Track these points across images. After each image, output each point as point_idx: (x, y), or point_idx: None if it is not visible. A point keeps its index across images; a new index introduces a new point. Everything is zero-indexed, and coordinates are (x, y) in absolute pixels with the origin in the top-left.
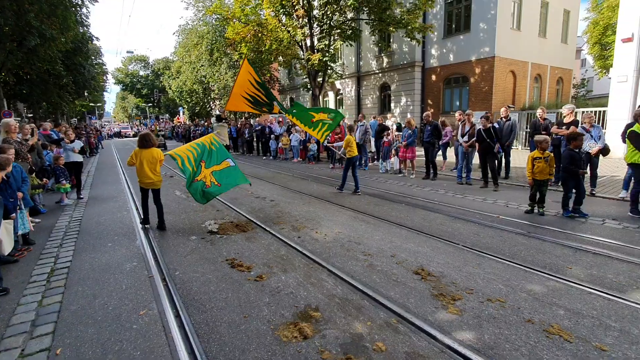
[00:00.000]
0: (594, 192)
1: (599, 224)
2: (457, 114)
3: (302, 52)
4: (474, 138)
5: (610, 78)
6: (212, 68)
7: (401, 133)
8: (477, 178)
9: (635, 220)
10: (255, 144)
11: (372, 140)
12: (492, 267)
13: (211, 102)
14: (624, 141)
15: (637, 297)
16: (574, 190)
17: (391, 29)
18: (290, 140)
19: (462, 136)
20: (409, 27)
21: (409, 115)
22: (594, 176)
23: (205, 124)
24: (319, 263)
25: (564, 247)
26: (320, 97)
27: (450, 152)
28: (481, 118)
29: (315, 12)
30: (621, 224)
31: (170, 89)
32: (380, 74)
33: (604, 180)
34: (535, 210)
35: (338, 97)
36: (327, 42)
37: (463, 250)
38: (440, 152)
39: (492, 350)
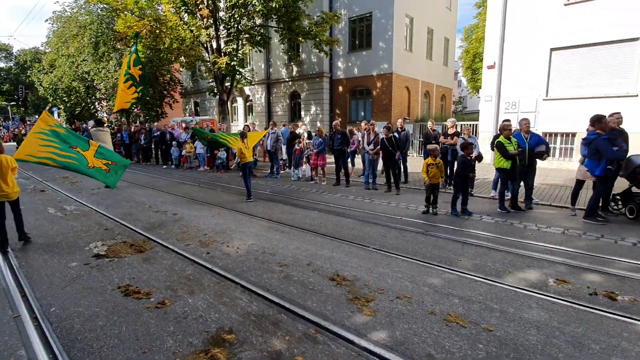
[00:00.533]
0: (472, 192)
1: (478, 220)
2: (362, 124)
3: (207, 54)
4: (379, 146)
5: (479, 97)
6: (98, 64)
7: (312, 141)
8: (382, 183)
9: (502, 215)
10: (153, 152)
11: (284, 148)
12: (399, 265)
13: (96, 103)
14: (492, 149)
15: (510, 281)
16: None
17: (300, 39)
18: (195, 147)
19: (368, 144)
20: (317, 39)
21: (318, 124)
22: (472, 179)
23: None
24: (232, 279)
25: (454, 242)
26: (229, 103)
27: (357, 159)
28: (383, 128)
29: (221, 13)
30: (493, 218)
31: (40, 85)
32: (290, 82)
33: (479, 182)
34: (431, 211)
35: (247, 104)
36: (234, 46)
37: (373, 252)
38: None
39: (403, 345)
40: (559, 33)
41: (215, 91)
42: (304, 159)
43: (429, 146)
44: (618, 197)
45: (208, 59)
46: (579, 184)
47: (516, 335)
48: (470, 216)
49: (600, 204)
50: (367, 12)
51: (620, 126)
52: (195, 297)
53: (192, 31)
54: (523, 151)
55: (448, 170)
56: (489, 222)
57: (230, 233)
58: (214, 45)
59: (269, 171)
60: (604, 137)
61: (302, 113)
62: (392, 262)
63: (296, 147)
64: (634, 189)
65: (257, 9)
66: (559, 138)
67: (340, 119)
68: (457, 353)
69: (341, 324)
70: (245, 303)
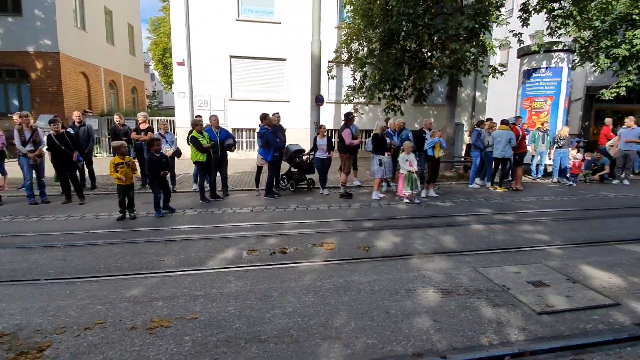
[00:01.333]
0: (175, 189)
1: (181, 215)
2: (15, 117)
3: None
4: (43, 146)
5: (174, 93)
6: None
7: None
8: (57, 193)
9: (204, 205)
10: None
11: None
12: (87, 290)
13: None
14: (189, 144)
15: (212, 264)
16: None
17: None
18: None
19: (25, 144)
20: None
21: None
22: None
23: None
24: None
25: (156, 243)
26: None
27: (12, 166)
28: (50, 123)
29: None
30: (196, 210)
31: None
32: None
33: (181, 178)
34: (128, 216)
35: None
36: None
37: (46, 284)
38: None
39: None
40: (235, 43)
41: None
42: None
43: (114, 143)
44: (284, 176)
45: None
46: (259, 169)
47: (218, 312)
48: (173, 213)
49: (274, 183)
50: None
51: (280, 123)
52: None
53: None
54: (215, 144)
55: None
56: (192, 214)
57: None
58: None
59: None
60: (271, 131)
61: None
62: (76, 289)
63: None
64: (292, 170)
65: None
66: (244, 133)
67: None
68: (163, 356)
69: None
70: None
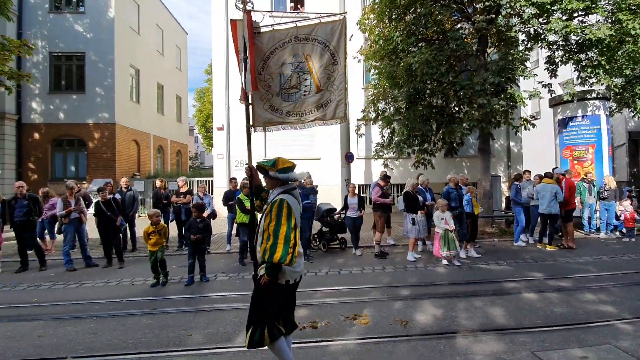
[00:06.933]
0: (209, 250)
1: (213, 280)
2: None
3: None
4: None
5: (213, 155)
6: None
7: None
8: (100, 256)
9: (236, 269)
10: None
11: None
12: None
13: None
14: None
15: (240, 341)
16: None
17: None
18: None
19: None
20: None
21: None
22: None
23: None
24: None
25: (185, 314)
26: None
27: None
28: (98, 192)
29: None
30: (227, 275)
31: None
32: None
33: (215, 238)
34: (161, 281)
35: None
36: None
37: None
38: (47, 231)
39: None
40: None
41: None
42: None
43: (149, 212)
44: (316, 235)
45: None
46: None
47: None
48: (207, 282)
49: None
50: (77, 51)
51: (312, 185)
52: None
53: None
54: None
55: (183, 231)
56: (223, 279)
57: None
58: None
59: None
60: (299, 192)
61: None
62: None
63: None
64: (324, 229)
65: None
66: None
67: (35, 176)
68: None
69: None
70: None
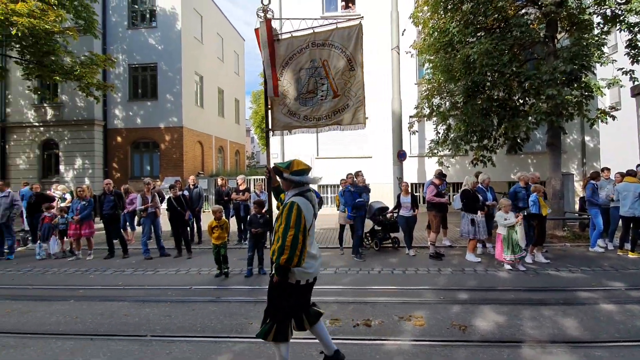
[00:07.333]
0: (267, 245)
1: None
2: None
3: None
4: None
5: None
6: None
7: (71, 205)
8: (172, 247)
9: None
10: None
11: (25, 215)
12: (183, 350)
13: None
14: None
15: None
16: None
17: (57, 77)
18: None
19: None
20: (84, 81)
21: (87, 182)
22: (254, 234)
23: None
24: None
25: (246, 304)
26: None
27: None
28: (170, 188)
29: None
30: None
31: None
32: (42, 128)
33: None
34: (223, 271)
35: None
36: None
37: (151, 342)
38: (128, 223)
39: None
40: None
41: None
42: (56, 230)
43: (212, 208)
44: (368, 234)
45: None
46: (342, 227)
47: None
48: (265, 274)
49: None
50: (151, 62)
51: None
52: None
53: None
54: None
55: (242, 226)
56: None
57: None
58: None
59: None
60: (349, 191)
61: (62, 167)
62: (175, 349)
63: (45, 214)
64: (376, 228)
65: None
66: (329, 189)
67: (118, 175)
68: None
69: None
70: None
